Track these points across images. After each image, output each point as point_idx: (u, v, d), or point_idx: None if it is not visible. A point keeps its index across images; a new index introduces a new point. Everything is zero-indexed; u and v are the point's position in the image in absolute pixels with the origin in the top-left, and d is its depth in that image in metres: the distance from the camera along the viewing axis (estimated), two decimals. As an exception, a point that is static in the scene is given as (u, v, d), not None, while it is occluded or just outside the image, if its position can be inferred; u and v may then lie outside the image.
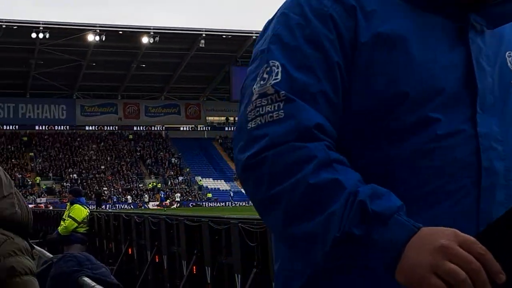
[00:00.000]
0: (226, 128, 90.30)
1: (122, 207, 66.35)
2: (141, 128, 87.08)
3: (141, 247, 12.78)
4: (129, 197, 71.66)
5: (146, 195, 73.33)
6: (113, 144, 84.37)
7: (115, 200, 69.01)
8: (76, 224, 14.05)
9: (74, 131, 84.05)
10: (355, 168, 1.52)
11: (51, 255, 4.78)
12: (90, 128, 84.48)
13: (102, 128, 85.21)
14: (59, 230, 14.24)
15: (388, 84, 1.59)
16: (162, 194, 70.54)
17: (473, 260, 1.29)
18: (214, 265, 9.27)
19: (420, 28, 1.63)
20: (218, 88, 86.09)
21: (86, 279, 3.30)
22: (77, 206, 14.24)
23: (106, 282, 3.49)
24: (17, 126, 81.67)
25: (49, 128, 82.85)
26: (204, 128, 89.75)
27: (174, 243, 10.99)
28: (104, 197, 68.58)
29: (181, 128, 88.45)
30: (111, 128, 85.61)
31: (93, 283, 3.21)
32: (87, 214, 14.50)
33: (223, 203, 73.27)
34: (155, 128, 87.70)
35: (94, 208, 32.32)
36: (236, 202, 74.14)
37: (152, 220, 11.83)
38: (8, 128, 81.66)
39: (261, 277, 7.86)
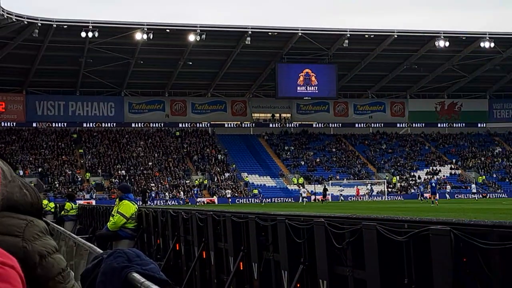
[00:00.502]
0: (272, 125, 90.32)
1: (170, 203, 67.11)
2: (188, 125, 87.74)
3: (188, 243, 12.89)
4: (181, 193, 72.44)
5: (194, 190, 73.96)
6: (160, 140, 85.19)
7: (162, 196, 69.66)
8: (124, 220, 14.23)
9: (122, 128, 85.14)
10: None
11: (101, 251, 4.86)
12: (138, 125, 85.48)
13: (150, 125, 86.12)
14: (108, 225, 14.44)
15: None
16: (195, 191, 70.97)
17: None
18: (261, 261, 9.29)
19: None
20: (264, 85, 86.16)
21: (135, 275, 3.34)
22: (125, 202, 14.42)
23: (155, 278, 3.51)
24: (65, 124, 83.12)
25: (98, 125, 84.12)
26: (250, 125, 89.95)
27: (221, 239, 11.05)
28: (150, 193, 69.38)
29: (227, 125, 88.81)
30: (158, 125, 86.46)
31: (142, 279, 3.24)
32: (136, 210, 14.68)
33: (269, 199, 73.44)
34: (202, 125, 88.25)
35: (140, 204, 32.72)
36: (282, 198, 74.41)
37: (200, 216, 11.91)
38: (58, 125, 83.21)
39: (308, 274, 7.86)
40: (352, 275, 6.85)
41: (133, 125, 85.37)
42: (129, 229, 14.54)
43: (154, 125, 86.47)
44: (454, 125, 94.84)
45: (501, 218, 16.03)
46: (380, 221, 6.28)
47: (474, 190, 70.45)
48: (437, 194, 64.42)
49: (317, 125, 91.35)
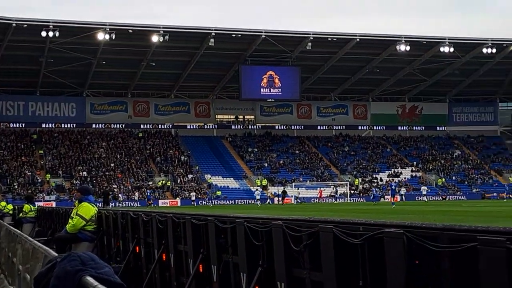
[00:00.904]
0: (235, 126, 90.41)
1: (131, 205, 66.66)
2: (151, 126, 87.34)
3: (148, 245, 12.85)
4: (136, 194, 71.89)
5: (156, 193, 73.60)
6: (123, 142, 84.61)
7: (124, 198, 69.14)
8: (84, 222, 14.11)
9: (84, 128, 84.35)
10: None
11: (56, 254, 4.85)
12: (100, 126, 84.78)
13: (112, 126, 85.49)
14: (67, 228, 14.30)
15: None
16: (148, 193, 70.09)
17: None
18: (220, 263, 9.32)
19: None
20: (227, 86, 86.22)
21: (89, 278, 3.37)
22: (85, 204, 14.30)
23: (109, 281, 3.55)
24: (25, 124, 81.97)
25: (59, 126, 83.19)
26: (213, 126, 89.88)
27: (181, 241, 11.04)
28: (115, 195, 68.84)
29: (191, 126, 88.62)
30: (120, 126, 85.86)
31: (96, 283, 3.28)
32: (95, 212, 14.57)
33: (232, 201, 73.50)
34: (165, 126, 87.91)
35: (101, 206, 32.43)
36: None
37: (160, 219, 11.88)
38: (17, 126, 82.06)
39: (266, 276, 7.91)
40: (309, 277, 6.91)
41: (95, 126, 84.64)
42: (89, 231, 14.43)
43: (116, 126, 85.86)
44: (415, 128, 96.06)
45: (459, 221, 16.35)
46: (336, 224, 6.36)
47: (425, 192, 71.39)
48: (403, 197, 65.40)
49: (281, 127, 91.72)
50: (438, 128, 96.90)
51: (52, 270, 3.58)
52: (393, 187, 48.62)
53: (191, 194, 71.59)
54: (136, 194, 71.81)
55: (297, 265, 7.24)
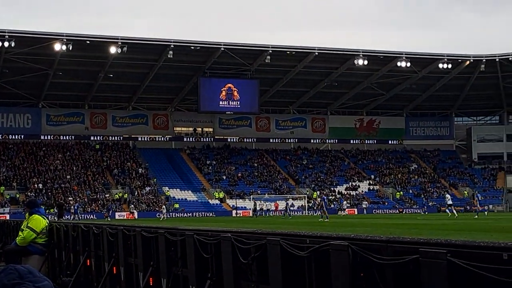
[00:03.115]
0: (194, 139, 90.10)
1: (88, 217, 65.79)
2: (108, 138, 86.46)
3: (99, 258, 12.65)
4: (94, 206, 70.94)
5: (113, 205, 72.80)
6: (79, 153, 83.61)
7: (79, 210, 68.10)
8: (34, 235, 13.83)
9: (39, 140, 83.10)
10: None
11: None
12: (56, 137, 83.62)
13: (68, 138, 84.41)
14: (17, 240, 14.00)
15: None
16: (75, 206, 67.96)
17: None
18: (170, 276, 9.20)
19: None
20: (186, 99, 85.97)
21: (25, 292, 3.24)
22: (36, 216, 14.03)
23: (47, 295, 3.43)
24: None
25: (13, 137, 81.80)
26: (171, 139, 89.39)
27: (131, 254, 10.89)
28: (68, 207, 67.85)
29: (149, 138, 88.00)
30: (77, 138, 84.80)
31: (31, 296, 3.15)
32: (46, 224, 14.30)
33: (190, 214, 73.09)
34: (122, 138, 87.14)
35: (56, 219, 31.90)
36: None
37: (110, 231, 11.71)
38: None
39: (215, 289, 7.83)
40: (257, 290, 6.86)
41: (50, 137, 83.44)
42: (40, 244, 14.15)
43: (72, 138, 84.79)
44: (373, 142, 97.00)
45: (414, 234, 16.45)
46: (284, 236, 6.32)
47: (364, 206, 71.96)
48: (364, 210, 65.84)
49: (239, 140, 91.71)
50: (396, 142, 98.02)
51: (-12, 284, 3.46)
52: (325, 200, 49.12)
53: (163, 207, 69.92)
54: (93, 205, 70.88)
55: (245, 278, 7.18)
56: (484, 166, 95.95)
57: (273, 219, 53.79)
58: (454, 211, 47.91)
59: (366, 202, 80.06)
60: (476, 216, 44.85)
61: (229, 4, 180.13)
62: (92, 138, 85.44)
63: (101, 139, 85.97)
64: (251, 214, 68.92)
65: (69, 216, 60.92)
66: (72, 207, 66.58)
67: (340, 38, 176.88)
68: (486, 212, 49.59)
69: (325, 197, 51.17)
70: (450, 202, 51.39)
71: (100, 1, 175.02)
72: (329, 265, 5.46)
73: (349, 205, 77.59)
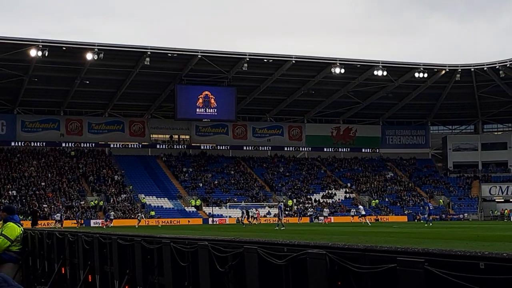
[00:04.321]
0: (171, 146, 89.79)
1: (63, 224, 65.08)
2: (84, 145, 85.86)
3: (74, 266, 12.53)
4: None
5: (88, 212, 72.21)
6: (54, 160, 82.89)
7: (55, 217, 67.42)
8: (9, 243, 13.65)
9: (14, 146, 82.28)
10: None
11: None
12: (31, 144, 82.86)
13: (43, 144, 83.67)
14: (-10, 248, 13.81)
15: None
16: (60, 213, 66.69)
17: None
18: (146, 285, 9.13)
19: None
20: (163, 106, 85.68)
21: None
22: (10, 224, 13.85)
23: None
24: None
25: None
26: (148, 146, 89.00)
27: (107, 262, 10.81)
28: (43, 214, 67.22)
29: (125, 145, 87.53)
30: (52, 145, 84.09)
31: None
32: (21, 232, 14.13)
33: (167, 221, 72.71)
34: (98, 145, 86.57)
35: (30, 226, 31.68)
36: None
37: (86, 239, 11.61)
38: None
39: (192, 298, 7.78)
40: (234, 299, 6.83)
41: (25, 143, 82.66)
42: (14, 252, 13.95)
43: (48, 144, 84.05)
44: (349, 150, 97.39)
45: (392, 242, 16.50)
46: (261, 245, 6.30)
47: (322, 217, 72.04)
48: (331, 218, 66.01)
49: (216, 147, 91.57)
50: (372, 150, 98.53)
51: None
52: (281, 208, 49.26)
53: (138, 215, 69.45)
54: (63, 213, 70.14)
55: (222, 286, 7.15)
56: (459, 174, 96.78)
57: (268, 227, 53.72)
58: (368, 221, 50.36)
59: (327, 210, 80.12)
60: (425, 225, 46.05)
61: (207, 11, 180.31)
62: (67, 144, 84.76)
63: (76, 145, 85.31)
64: (241, 221, 67.29)
65: (53, 225, 60.40)
66: (57, 215, 65.71)
67: (317, 47, 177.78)
68: (431, 223, 50.34)
69: (281, 205, 51.05)
70: (363, 212, 57.81)
71: (77, 8, 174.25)
72: (306, 274, 5.45)
73: (329, 212, 77.56)
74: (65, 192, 76.78)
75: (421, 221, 49.79)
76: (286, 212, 79.97)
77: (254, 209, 70.28)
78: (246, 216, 67.01)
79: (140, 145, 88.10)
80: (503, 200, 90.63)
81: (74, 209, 72.85)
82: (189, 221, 73.03)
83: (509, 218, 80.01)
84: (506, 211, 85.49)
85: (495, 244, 13.57)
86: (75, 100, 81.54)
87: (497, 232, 26.15)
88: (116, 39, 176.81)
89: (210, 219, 74.04)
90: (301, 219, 75.62)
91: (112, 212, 68.27)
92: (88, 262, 11.51)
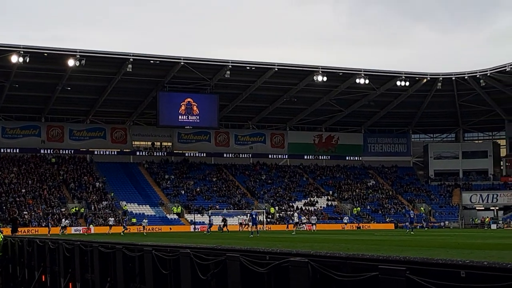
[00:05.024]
0: (153, 153, 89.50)
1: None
2: (65, 152, 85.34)
3: (54, 274, 12.43)
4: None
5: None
6: (35, 167, 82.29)
7: (35, 224, 66.96)
8: (-12, 250, 13.56)
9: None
10: None
11: None
12: (11, 150, 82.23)
13: (24, 151, 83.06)
14: (-31, 256, 13.71)
15: None
16: (48, 220, 66.39)
17: None
18: (127, 293, 9.08)
19: None
20: (145, 112, 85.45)
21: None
22: (-11, 231, 13.78)
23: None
24: None
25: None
26: (129, 153, 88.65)
27: (88, 270, 10.73)
28: (23, 221, 66.65)
29: (106, 152, 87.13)
30: (33, 151, 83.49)
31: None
32: (1, 239, 14.04)
33: (148, 228, 72.20)
34: (79, 152, 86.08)
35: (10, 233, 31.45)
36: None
37: (67, 247, 11.53)
38: None
39: (173, 306, 7.74)
40: (216, 307, 6.80)
41: (6, 150, 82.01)
42: (-7, 259, 13.86)
43: (28, 151, 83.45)
44: (331, 158, 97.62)
45: (373, 250, 16.52)
46: (243, 253, 6.29)
47: (304, 224, 72.31)
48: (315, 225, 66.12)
49: (198, 155, 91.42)
50: (354, 158, 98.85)
51: None
52: (254, 215, 49.29)
53: (109, 219, 69.09)
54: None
55: (204, 295, 7.12)
56: (440, 182, 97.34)
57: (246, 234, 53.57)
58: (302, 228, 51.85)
59: (315, 217, 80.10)
60: (411, 233, 46.38)
61: (190, 19, 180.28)
62: (48, 151, 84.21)
63: (56, 152, 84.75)
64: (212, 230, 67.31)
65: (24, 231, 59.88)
66: (62, 221, 65.19)
67: (300, 55, 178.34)
68: (412, 231, 50.70)
69: (254, 213, 50.97)
70: (296, 220, 63.77)
71: (59, 15, 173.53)
72: (288, 282, 5.45)
73: (329, 220, 77.64)
74: (45, 199, 76.19)
75: (406, 229, 50.11)
76: (268, 220, 79.97)
77: (245, 216, 70.13)
78: (223, 224, 66.94)
79: (122, 152, 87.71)
80: (483, 208, 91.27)
81: (55, 216, 72.21)
82: (170, 228, 72.76)
83: (489, 226, 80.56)
84: (486, 219, 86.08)
85: (475, 252, 13.65)
86: (56, 107, 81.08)
87: (478, 240, 26.30)
88: (99, 46, 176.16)
89: (192, 226, 73.75)
90: (289, 227, 75.88)
91: (126, 218, 67.43)
92: (69, 270, 11.43)
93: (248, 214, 57.10)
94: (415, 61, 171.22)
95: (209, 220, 66.59)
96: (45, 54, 68.55)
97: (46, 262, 12.78)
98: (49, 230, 58.51)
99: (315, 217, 77.30)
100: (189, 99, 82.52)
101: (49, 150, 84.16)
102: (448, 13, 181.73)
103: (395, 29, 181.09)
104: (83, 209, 75.56)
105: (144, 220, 67.41)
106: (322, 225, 75.30)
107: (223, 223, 67.46)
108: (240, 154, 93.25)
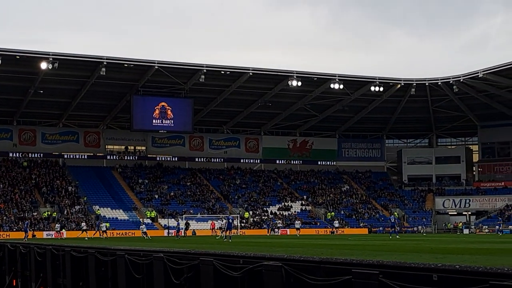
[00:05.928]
0: (126, 157, 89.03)
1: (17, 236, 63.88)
2: (37, 155, 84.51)
3: (26, 278, 12.30)
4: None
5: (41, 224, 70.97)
6: (6, 171, 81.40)
7: (6, 229, 66.19)
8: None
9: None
10: None
11: None
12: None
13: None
14: None
15: None
16: (25, 224, 65.44)
17: None
18: (100, 297, 9.01)
19: None
20: (119, 116, 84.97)
21: None
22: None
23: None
24: None
25: None
26: (103, 157, 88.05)
27: (60, 274, 10.63)
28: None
29: (79, 156, 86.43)
30: (4, 155, 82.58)
31: None
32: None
33: (121, 233, 71.91)
34: (52, 155, 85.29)
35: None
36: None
37: (38, 251, 11.41)
38: None
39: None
40: (189, 311, 6.77)
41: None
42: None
43: (0, 155, 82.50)
44: (305, 162, 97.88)
45: (347, 254, 16.57)
46: (217, 257, 6.27)
47: (277, 229, 72.46)
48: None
49: (172, 159, 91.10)
50: (328, 163, 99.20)
51: None
52: (230, 220, 49.39)
53: (82, 224, 68.83)
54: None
55: (177, 299, 7.08)
56: (413, 187, 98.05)
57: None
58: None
59: (299, 222, 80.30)
60: (397, 237, 46.42)
61: (164, 22, 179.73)
62: (20, 155, 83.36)
63: (26, 156, 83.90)
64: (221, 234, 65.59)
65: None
66: (24, 224, 64.36)
67: (275, 59, 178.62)
68: (394, 235, 51.15)
69: (230, 217, 50.95)
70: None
71: (31, 16, 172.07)
72: (262, 286, 5.44)
73: (304, 225, 77.74)
74: (17, 203, 75.40)
75: (390, 234, 50.90)
76: (242, 224, 79.93)
77: (220, 220, 69.66)
78: (184, 228, 66.86)
79: (95, 156, 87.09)
80: (456, 213, 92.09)
81: (28, 220, 71.43)
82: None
83: (462, 231, 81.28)
84: (459, 223, 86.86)
85: (448, 256, 13.75)
86: (28, 110, 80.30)
87: (450, 245, 26.53)
88: (73, 49, 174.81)
89: (166, 231, 73.44)
90: (269, 231, 76.46)
91: (104, 224, 66.57)
92: (40, 274, 11.32)
93: (224, 219, 56.93)
94: (390, 67, 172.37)
95: (177, 224, 66.41)
96: (17, 57, 67.86)
97: (17, 267, 12.63)
98: (26, 236, 57.90)
99: (299, 221, 77.45)
100: (163, 103, 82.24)
101: (21, 154, 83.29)
102: (424, 19, 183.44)
103: (371, 35, 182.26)
104: (55, 213, 74.87)
105: (105, 224, 66.42)
106: (295, 231, 75.45)
107: (185, 226, 67.52)
108: (215, 159, 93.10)
